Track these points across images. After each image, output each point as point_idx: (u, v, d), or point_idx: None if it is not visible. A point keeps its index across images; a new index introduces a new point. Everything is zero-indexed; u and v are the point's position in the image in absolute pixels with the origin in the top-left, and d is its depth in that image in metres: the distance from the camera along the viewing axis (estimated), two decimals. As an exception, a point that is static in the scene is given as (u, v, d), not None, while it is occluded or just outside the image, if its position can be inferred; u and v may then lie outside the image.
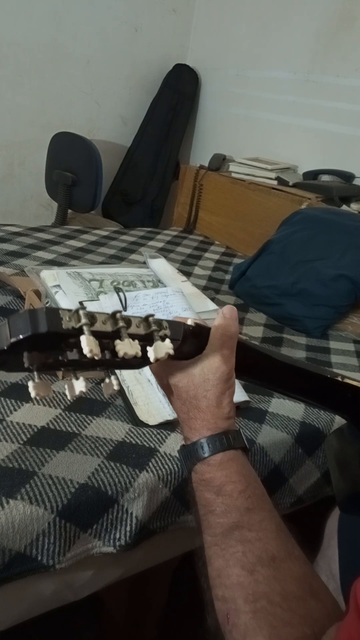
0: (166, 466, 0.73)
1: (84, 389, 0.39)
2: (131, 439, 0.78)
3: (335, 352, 1.25)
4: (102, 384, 0.43)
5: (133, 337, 0.40)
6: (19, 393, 0.83)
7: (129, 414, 0.83)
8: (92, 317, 0.38)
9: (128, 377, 0.87)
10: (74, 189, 2.19)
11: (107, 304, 1.00)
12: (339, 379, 0.56)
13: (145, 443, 0.77)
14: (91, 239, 1.77)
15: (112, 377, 0.42)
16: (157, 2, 2.49)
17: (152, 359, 0.41)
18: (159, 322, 0.43)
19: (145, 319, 0.43)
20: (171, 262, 1.45)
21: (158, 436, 0.79)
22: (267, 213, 1.90)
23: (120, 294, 1.01)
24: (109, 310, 0.40)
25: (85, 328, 0.37)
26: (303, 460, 0.89)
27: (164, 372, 0.51)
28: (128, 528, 0.69)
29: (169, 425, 0.82)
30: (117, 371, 0.45)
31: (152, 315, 0.43)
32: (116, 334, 0.40)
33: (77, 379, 0.40)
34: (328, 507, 0.79)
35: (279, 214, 1.71)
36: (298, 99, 2.13)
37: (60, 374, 0.88)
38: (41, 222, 2.27)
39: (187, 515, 0.76)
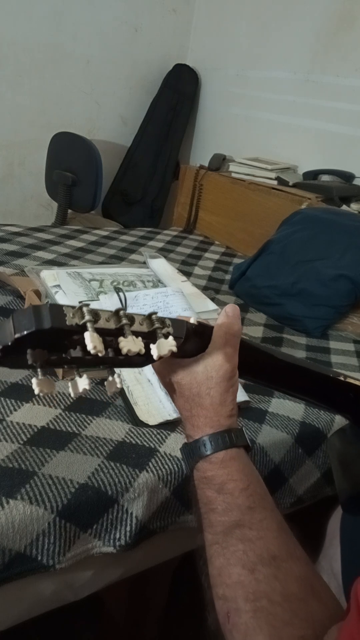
0: (166, 466, 0.73)
1: (87, 387, 0.39)
2: (131, 439, 0.77)
3: (335, 352, 1.25)
4: (105, 382, 0.43)
5: (136, 334, 0.40)
6: (19, 393, 0.83)
7: (129, 414, 0.83)
8: (95, 314, 0.38)
9: (128, 377, 0.87)
10: (74, 189, 2.19)
11: (107, 304, 1.00)
12: (341, 378, 0.57)
13: (145, 443, 0.77)
14: (91, 239, 1.77)
15: (115, 375, 0.42)
16: (157, 2, 2.49)
17: (155, 357, 0.41)
18: (162, 320, 0.43)
19: (149, 317, 0.43)
20: (171, 262, 1.45)
21: (158, 436, 0.79)
22: (267, 213, 1.90)
23: (120, 294, 1.01)
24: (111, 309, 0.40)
25: (88, 325, 0.37)
26: (303, 460, 0.89)
27: (167, 370, 0.51)
28: (128, 528, 0.69)
29: (169, 425, 0.82)
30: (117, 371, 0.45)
31: (155, 313, 0.43)
32: (119, 331, 0.40)
33: (80, 376, 0.40)
34: (328, 507, 0.79)
35: (279, 214, 1.71)
36: (298, 99, 2.13)
37: (60, 373, 0.88)
38: (41, 222, 2.27)
39: (187, 515, 0.76)
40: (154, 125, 2.59)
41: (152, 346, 0.42)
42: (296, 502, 0.89)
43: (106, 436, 0.77)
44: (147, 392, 0.86)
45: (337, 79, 1.98)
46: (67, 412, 0.81)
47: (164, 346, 0.42)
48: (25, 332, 0.35)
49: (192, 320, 0.48)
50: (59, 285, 1.05)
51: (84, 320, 0.37)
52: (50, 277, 1.08)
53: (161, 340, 0.42)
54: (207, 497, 0.47)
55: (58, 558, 0.64)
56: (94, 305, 0.39)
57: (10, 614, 0.68)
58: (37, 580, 0.66)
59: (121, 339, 0.39)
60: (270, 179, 2.00)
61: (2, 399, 0.81)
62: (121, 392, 0.86)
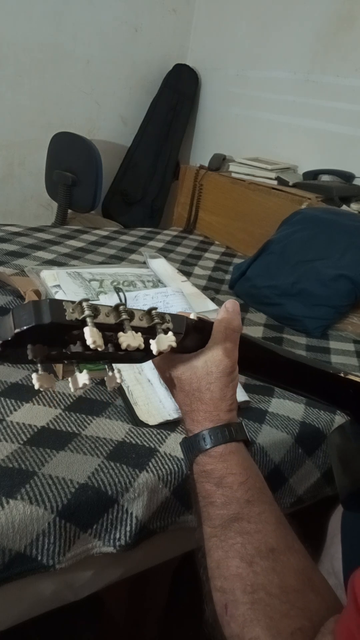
0: (166, 466, 0.73)
1: (87, 382, 0.39)
2: (131, 439, 0.77)
3: (335, 352, 1.25)
4: (105, 377, 0.43)
5: (136, 329, 0.40)
6: (19, 393, 0.83)
7: (129, 414, 0.83)
8: (95, 309, 0.38)
9: (128, 377, 0.87)
10: (74, 189, 2.19)
11: (107, 304, 0.99)
12: (342, 374, 0.57)
13: (145, 443, 0.77)
14: (91, 239, 1.77)
15: (115, 371, 0.42)
16: (157, 2, 2.49)
17: (155, 352, 0.41)
18: (161, 316, 0.43)
19: (148, 312, 0.43)
20: (171, 262, 1.45)
21: (158, 436, 0.79)
22: (267, 213, 1.90)
23: (120, 294, 1.02)
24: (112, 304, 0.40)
25: (88, 320, 0.37)
26: (303, 460, 0.89)
27: (167, 365, 0.51)
28: (128, 528, 0.69)
29: (169, 425, 0.82)
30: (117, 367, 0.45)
31: (155, 309, 0.43)
32: (119, 326, 0.40)
33: (80, 372, 0.40)
34: (329, 507, 0.79)
35: (279, 214, 1.71)
36: (298, 99, 2.13)
37: (60, 373, 0.88)
38: (41, 222, 2.27)
39: (187, 515, 0.75)
40: (154, 125, 2.60)
41: (151, 341, 0.42)
42: (296, 502, 0.89)
43: (106, 436, 0.77)
44: (147, 392, 0.86)
45: (337, 79, 1.98)
46: (67, 412, 0.81)
47: (164, 341, 0.42)
48: (25, 327, 0.36)
49: (192, 316, 0.48)
50: (59, 285, 1.05)
51: (83, 315, 0.37)
52: (50, 277, 1.08)
53: (161, 336, 0.42)
54: (206, 490, 0.47)
55: (58, 558, 0.64)
56: (94, 304, 0.39)
57: (10, 614, 0.67)
58: (37, 580, 0.66)
59: (121, 334, 0.39)
60: (270, 179, 2.00)
61: (2, 399, 0.81)
62: (121, 392, 0.86)
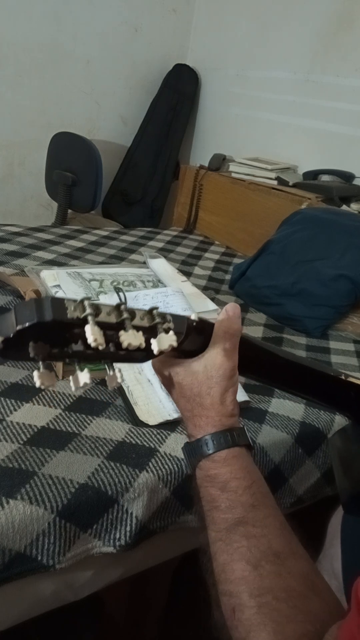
0: (166, 466, 0.73)
1: (88, 381, 0.39)
2: (131, 439, 0.77)
3: (335, 352, 1.25)
4: (106, 377, 0.43)
5: (137, 329, 0.40)
6: (19, 393, 0.83)
7: (129, 414, 0.82)
8: (96, 307, 0.38)
9: (128, 377, 0.87)
10: (74, 189, 2.19)
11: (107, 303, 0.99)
12: (342, 377, 0.56)
13: (145, 443, 0.77)
14: (91, 239, 1.77)
15: (116, 370, 0.42)
16: (157, 2, 2.49)
17: (155, 351, 0.41)
18: (162, 315, 0.43)
19: (149, 312, 0.43)
20: (171, 262, 1.45)
21: (158, 436, 0.79)
22: (267, 213, 1.90)
23: (120, 294, 1.01)
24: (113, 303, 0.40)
25: (89, 318, 0.37)
26: (303, 460, 0.89)
27: (168, 370, 0.51)
28: (128, 528, 0.69)
29: (169, 425, 0.81)
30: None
31: (156, 308, 0.43)
32: (120, 325, 0.40)
33: (81, 370, 0.40)
34: (329, 507, 0.79)
35: (279, 214, 1.71)
36: (298, 99, 2.13)
37: (60, 373, 0.88)
38: (41, 222, 2.27)
39: (187, 515, 0.75)
40: (154, 125, 2.59)
41: (152, 341, 0.41)
42: (296, 502, 0.89)
43: (106, 436, 0.77)
44: (147, 392, 0.85)
45: (337, 79, 1.98)
46: (67, 412, 0.81)
47: (165, 341, 0.42)
48: (27, 324, 0.36)
49: (193, 317, 0.48)
50: (59, 285, 1.05)
51: (85, 314, 0.37)
52: (50, 277, 1.08)
53: (162, 335, 0.42)
54: (211, 495, 0.47)
55: (58, 558, 0.64)
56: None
57: (10, 614, 0.67)
58: (37, 580, 0.66)
59: (122, 332, 0.39)
60: (270, 179, 2.00)
61: (2, 399, 0.81)
62: (121, 392, 0.86)
